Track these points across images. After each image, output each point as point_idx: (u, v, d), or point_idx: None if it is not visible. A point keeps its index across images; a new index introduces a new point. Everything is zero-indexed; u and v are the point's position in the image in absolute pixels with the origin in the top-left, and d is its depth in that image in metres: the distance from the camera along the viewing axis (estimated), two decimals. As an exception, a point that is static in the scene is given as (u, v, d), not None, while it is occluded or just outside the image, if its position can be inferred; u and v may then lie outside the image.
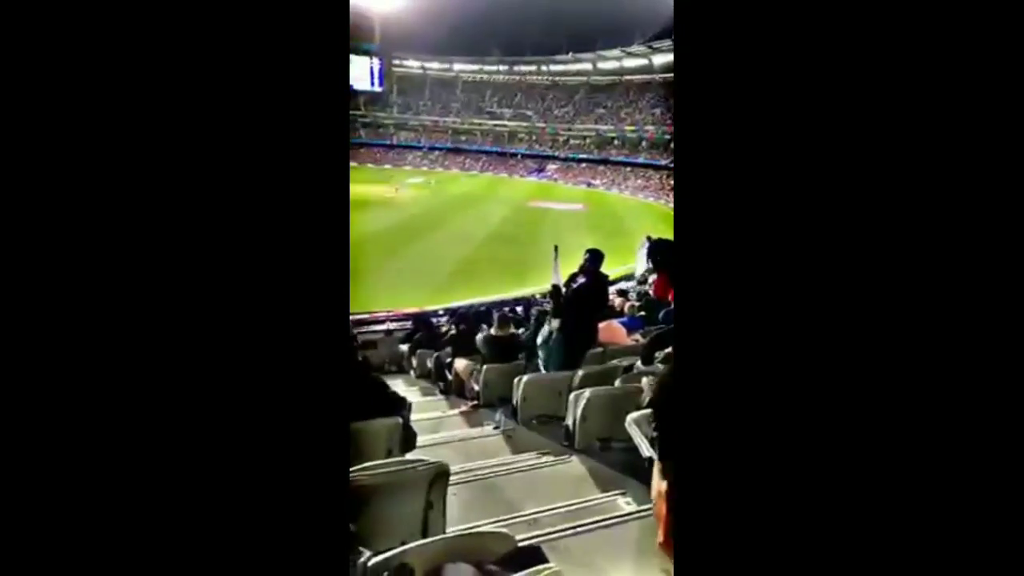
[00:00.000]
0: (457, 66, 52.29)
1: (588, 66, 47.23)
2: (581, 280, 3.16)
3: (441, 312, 9.17)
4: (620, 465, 2.29)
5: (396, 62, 50.14)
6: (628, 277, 9.79)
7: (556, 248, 3.74)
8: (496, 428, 2.99)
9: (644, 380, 2.59)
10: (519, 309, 6.73)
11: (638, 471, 2.17)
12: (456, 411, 3.57)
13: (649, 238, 5.94)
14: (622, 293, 6.27)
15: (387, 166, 40.72)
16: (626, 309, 5.07)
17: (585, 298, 3.12)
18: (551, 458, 2.49)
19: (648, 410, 2.28)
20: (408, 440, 2.16)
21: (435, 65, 52.54)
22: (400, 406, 2.21)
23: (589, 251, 3.31)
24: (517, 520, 1.92)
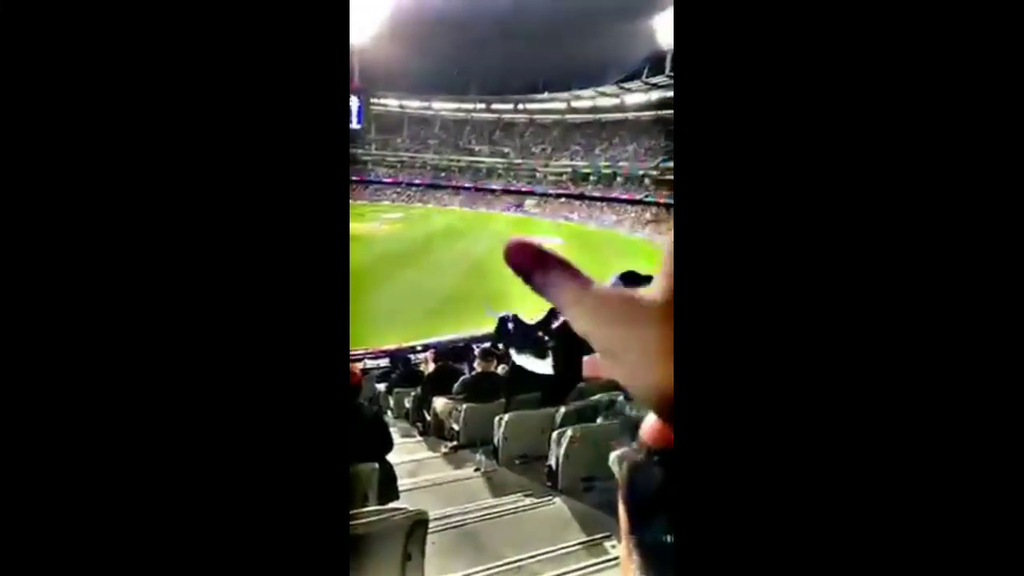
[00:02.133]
0: (435, 104, 53.56)
1: (563, 105, 48.97)
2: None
3: (419, 348, 9.04)
4: (604, 505, 2.24)
5: (375, 100, 51.13)
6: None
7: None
8: (477, 470, 2.91)
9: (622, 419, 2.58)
10: (500, 345, 6.68)
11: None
12: (435, 454, 3.47)
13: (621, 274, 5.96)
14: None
15: (363, 202, 40.87)
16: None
17: (572, 336, 3.11)
18: (533, 500, 2.42)
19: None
20: (390, 488, 2.08)
21: (414, 103, 53.72)
22: (388, 447, 2.16)
23: None
24: (500, 569, 1.84)
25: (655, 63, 42.36)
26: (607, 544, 1.97)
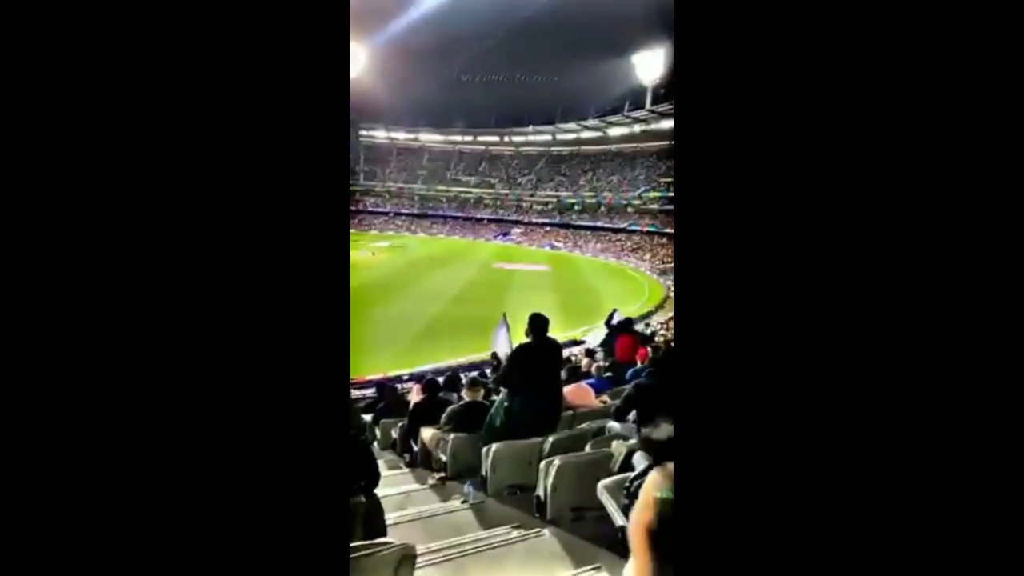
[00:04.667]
0: (423, 136, 54.43)
1: (548, 137, 50.15)
2: (526, 343, 3.08)
3: (406, 377, 8.93)
4: (593, 536, 2.21)
5: (363, 132, 51.82)
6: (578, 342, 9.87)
7: (504, 316, 3.36)
8: (464, 501, 2.86)
9: (614, 444, 2.57)
10: (488, 372, 6.63)
11: (612, 543, 2.10)
12: (423, 485, 3.40)
13: (615, 312, 6.02)
14: (590, 354, 6.31)
15: (352, 231, 40.88)
16: (593, 370, 5.09)
17: (531, 361, 3.02)
18: (522, 532, 2.38)
19: (620, 476, 2.24)
20: (375, 520, 2.03)
21: (401, 135, 54.53)
22: (375, 479, 2.13)
23: (530, 318, 3.18)
24: (488, 604, 1.80)
25: (635, 98, 43.91)
26: (597, 576, 1.94)
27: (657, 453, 0.37)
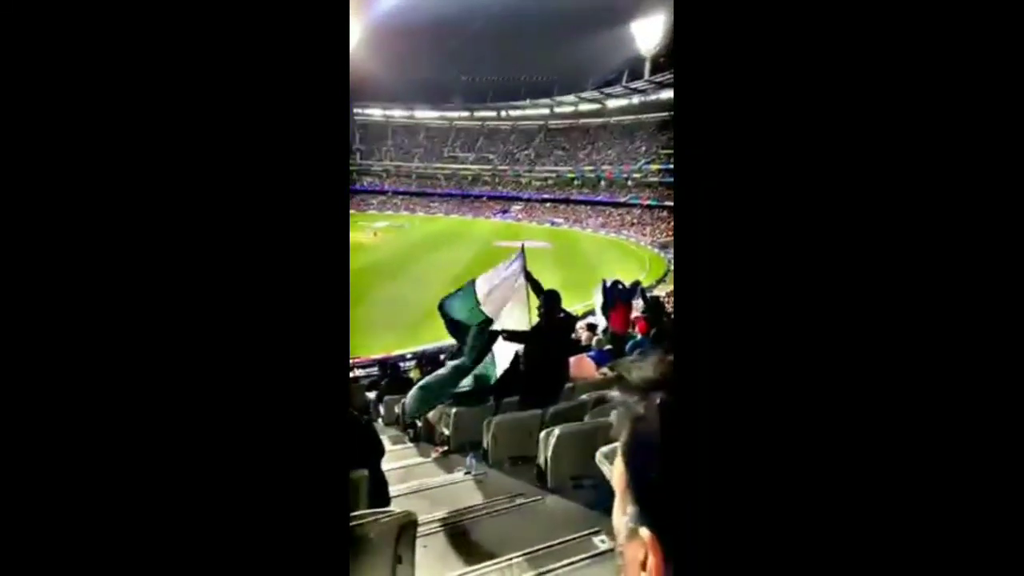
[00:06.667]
0: (419, 113, 53.57)
1: (546, 111, 49.30)
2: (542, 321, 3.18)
3: (409, 356, 9.01)
4: (593, 503, 2.27)
5: (359, 111, 51.03)
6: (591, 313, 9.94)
7: (522, 247, 3.53)
8: (467, 473, 2.92)
9: (613, 413, 2.60)
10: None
11: (611, 508, 2.15)
12: (426, 459, 3.47)
13: (604, 281, 6.04)
14: (591, 327, 6.34)
15: (351, 211, 40.59)
16: (593, 343, 5.13)
17: (548, 336, 3.13)
18: (523, 500, 2.44)
19: (617, 444, 2.28)
20: (380, 493, 2.08)
21: (397, 112, 53.65)
22: (379, 453, 2.17)
23: (544, 295, 3.25)
24: (491, 567, 1.85)
25: (634, 68, 42.99)
26: (596, 540, 1.99)
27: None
